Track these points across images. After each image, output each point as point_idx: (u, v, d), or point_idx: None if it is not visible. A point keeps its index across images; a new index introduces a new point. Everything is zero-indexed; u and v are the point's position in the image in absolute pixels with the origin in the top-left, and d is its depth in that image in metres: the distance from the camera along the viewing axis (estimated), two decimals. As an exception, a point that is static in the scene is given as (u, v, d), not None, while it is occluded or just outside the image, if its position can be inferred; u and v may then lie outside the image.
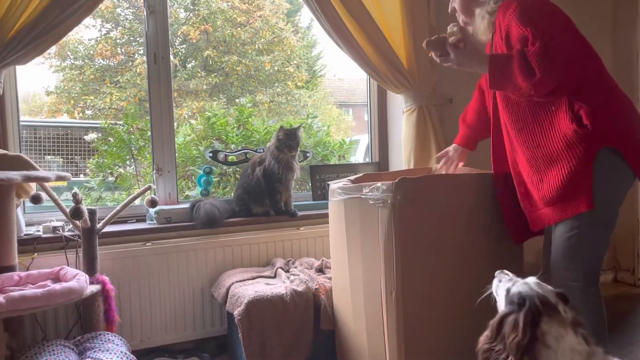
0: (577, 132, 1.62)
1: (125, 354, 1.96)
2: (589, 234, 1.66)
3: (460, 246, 1.93)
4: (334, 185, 2.18)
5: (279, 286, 2.22)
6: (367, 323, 1.96)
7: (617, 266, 3.57)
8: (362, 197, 1.93)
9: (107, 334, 2.06)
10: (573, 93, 1.65)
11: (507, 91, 1.73)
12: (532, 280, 1.35)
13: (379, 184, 1.86)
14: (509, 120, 1.82)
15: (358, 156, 3.91)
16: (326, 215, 2.86)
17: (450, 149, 2.35)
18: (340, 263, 2.14)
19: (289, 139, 2.61)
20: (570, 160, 1.63)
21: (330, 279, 2.32)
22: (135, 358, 1.99)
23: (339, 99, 7.02)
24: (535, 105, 1.72)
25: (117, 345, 2.00)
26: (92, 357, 1.87)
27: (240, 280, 2.33)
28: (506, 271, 1.44)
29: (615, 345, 2.45)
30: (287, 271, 2.47)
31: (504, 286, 1.38)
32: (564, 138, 1.65)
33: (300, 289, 2.19)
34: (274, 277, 2.42)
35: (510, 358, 1.23)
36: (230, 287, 2.30)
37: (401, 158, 2.98)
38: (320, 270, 2.48)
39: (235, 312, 2.10)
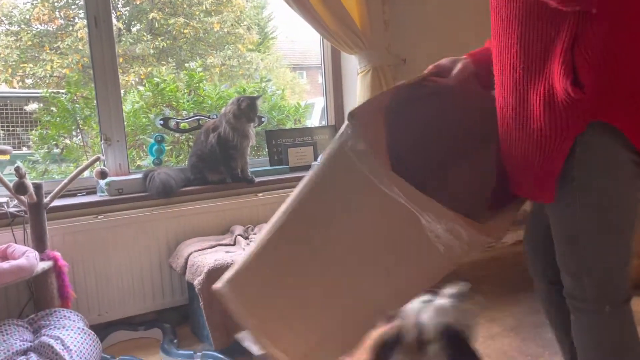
0: (569, 93, 1.08)
1: (83, 329, 1.92)
2: (587, 232, 1.18)
3: None
4: None
5: (238, 254, 2.20)
6: None
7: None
8: None
9: (63, 310, 2.00)
10: (586, 21, 1.06)
11: None
12: (442, 303, 1.13)
13: None
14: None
15: (314, 120, 3.87)
16: (284, 181, 2.85)
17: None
18: None
19: (250, 110, 2.55)
20: (545, 126, 1.12)
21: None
22: (93, 333, 1.95)
23: (292, 61, 6.90)
24: (530, 12, 1.12)
25: (74, 321, 1.95)
26: (48, 335, 1.82)
27: (199, 250, 2.30)
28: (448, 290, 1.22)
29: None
30: (247, 238, 2.45)
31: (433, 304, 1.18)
32: (548, 92, 1.11)
33: (260, 255, 2.18)
34: (234, 244, 2.40)
35: None
36: (189, 256, 2.26)
37: (357, 120, 2.96)
38: (280, 236, 2.47)
39: (196, 282, 2.08)
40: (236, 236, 2.45)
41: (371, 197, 1.18)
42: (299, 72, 7.04)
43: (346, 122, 1.17)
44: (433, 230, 1.13)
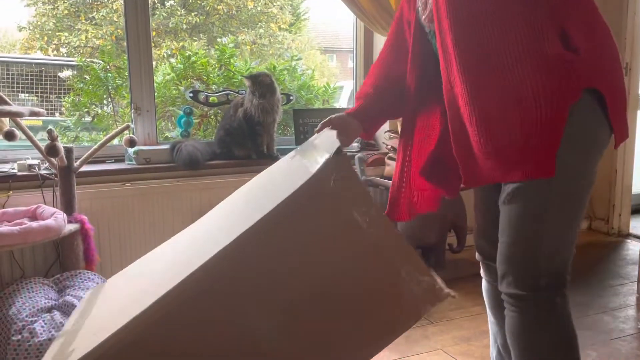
0: (564, 58, 1.09)
1: (106, 292, 1.96)
2: (557, 214, 1.13)
3: None
4: None
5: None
6: None
7: (592, 215, 3.65)
8: None
9: (87, 272, 2.05)
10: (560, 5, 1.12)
11: None
12: None
13: None
14: (448, 19, 1.15)
15: (342, 102, 3.85)
16: (309, 160, 2.84)
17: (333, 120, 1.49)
18: None
19: (255, 87, 2.55)
20: (539, 99, 1.07)
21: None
22: (115, 296, 1.99)
23: (322, 44, 6.86)
24: None
25: (97, 283, 1.99)
26: (72, 295, 1.86)
27: (222, 222, 2.32)
28: None
29: (586, 295, 2.54)
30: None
31: None
32: (540, 61, 1.08)
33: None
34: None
35: None
36: (211, 228, 2.28)
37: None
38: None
39: (217, 253, 2.10)
40: (259, 211, 2.46)
41: (349, 238, 1.04)
42: (329, 55, 7.01)
43: (330, 155, 1.02)
44: (411, 288, 1.04)
